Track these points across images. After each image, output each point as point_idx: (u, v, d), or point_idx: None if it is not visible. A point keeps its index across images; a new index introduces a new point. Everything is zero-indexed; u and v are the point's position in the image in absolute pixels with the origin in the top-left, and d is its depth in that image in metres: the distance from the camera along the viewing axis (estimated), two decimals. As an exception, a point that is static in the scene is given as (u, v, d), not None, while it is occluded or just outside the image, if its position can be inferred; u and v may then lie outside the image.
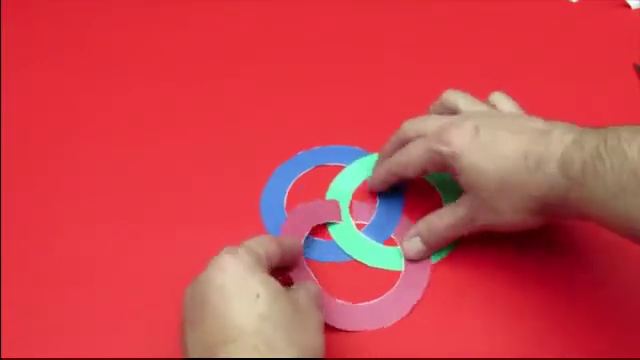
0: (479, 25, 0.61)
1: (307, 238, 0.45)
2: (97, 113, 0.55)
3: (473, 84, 0.55)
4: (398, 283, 0.43)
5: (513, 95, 0.50)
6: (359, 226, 0.47)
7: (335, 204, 0.47)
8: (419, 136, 0.43)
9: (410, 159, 0.43)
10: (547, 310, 0.42)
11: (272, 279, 0.35)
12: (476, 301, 0.43)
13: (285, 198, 0.48)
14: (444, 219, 0.43)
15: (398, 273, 0.44)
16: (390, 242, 0.46)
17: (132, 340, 0.41)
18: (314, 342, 0.34)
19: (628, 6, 0.62)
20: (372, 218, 0.47)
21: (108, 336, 0.42)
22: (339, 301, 0.43)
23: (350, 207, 0.48)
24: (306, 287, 0.38)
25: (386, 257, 0.45)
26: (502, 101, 0.44)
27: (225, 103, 0.55)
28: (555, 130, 0.38)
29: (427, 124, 0.43)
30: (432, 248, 0.44)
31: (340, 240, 0.46)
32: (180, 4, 0.64)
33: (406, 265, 0.44)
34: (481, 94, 0.54)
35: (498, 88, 0.54)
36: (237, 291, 0.33)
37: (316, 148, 0.51)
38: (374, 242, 0.46)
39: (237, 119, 0.54)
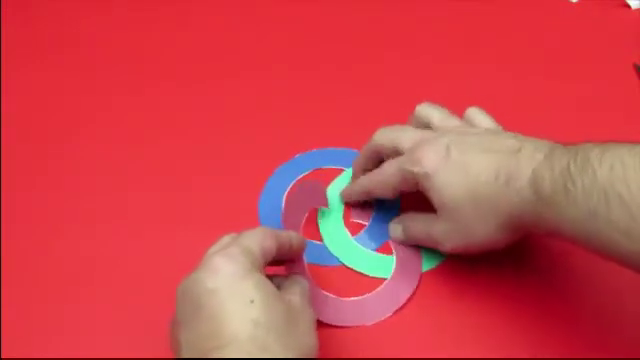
0: (479, 25, 0.61)
1: None
2: (97, 113, 0.55)
3: (473, 84, 0.55)
4: (385, 284, 0.43)
5: (513, 95, 0.50)
6: (359, 226, 0.47)
7: (320, 187, 0.47)
8: (393, 147, 0.43)
9: (383, 179, 0.43)
10: (533, 323, 0.42)
11: (266, 281, 0.34)
12: (463, 310, 0.42)
13: (283, 201, 0.48)
14: (418, 225, 0.43)
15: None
16: (385, 248, 0.45)
17: (132, 340, 0.41)
18: (308, 342, 0.34)
19: (628, 6, 0.62)
20: (370, 219, 0.47)
21: (108, 336, 0.42)
22: (325, 293, 0.43)
23: (347, 208, 0.47)
24: (300, 284, 0.38)
25: (376, 264, 0.44)
26: (478, 116, 0.44)
27: (224, 104, 0.55)
28: (525, 148, 0.37)
29: (400, 137, 0.43)
30: (410, 241, 0.44)
31: (330, 244, 0.46)
32: (180, 4, 0.64)
33: (395, 270, 0.44)
34: (481, 94, 0.54)
35: (498, 88, 0.54)
36: (230, 295, 0.33)
37: (315, 150, 0.51)
38: (365, 248, 0.45)
39: (236, 120, 0.54)
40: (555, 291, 0.43)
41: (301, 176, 0.49)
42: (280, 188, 0.49)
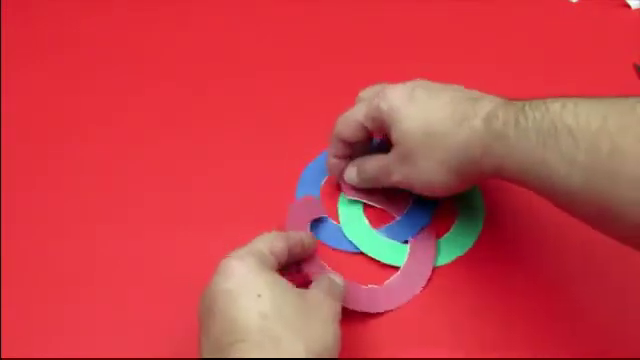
0: (479, 25, 0.61)
1: (320, 220, 0.47)
2: (104, 113, 0.55)
3: (473, 84, 0.55)
4: (397, 275, 0.44)
5: (513, 95, 0.50)
6: (381, 219, 0.47)
7: (315, 201, 0.48)
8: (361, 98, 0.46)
9: (350, 115, 0.45)
10: (546, 323, 0.42)
11: (278, 278, 0.36)
12: (472, 306, 0.43)
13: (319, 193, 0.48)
14: (372, 162, 0.45)
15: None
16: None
17: (132, 340, 0.41)
18: (323, 334, 0.34)
19: (628, 6, 0.62)
20: (389, 223, 0.47)
21: (108, 336, 0.42)
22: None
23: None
24: (327, 279, 0.39)
25: (390, 251, 0.45)
26: None
27: (229, 104, 0.55)
28: (487, 96, 0.40)
29: (369, 90, 0.46)
30: (364, 182, 0.46)
31: (347, 229, 0.46)
32: (180, 4, 0.64)
33: (407, 261, 0.44)
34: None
35: (498, 88, 0.54)
36: (241, 292, 0.34)
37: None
38: (381, 235, 0.46)
39: (244, 119, 0.54)
40: (568, 290, 0.43)
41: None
42: (317, 179, 0.49)
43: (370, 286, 0.43)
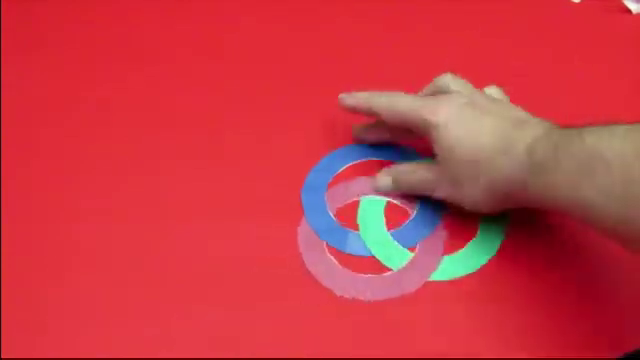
0: (480, 25, 0.61)
1: (335, 225, 0.46)
2: (106, 112, 0.54)
3: (474, 85, 0.55)
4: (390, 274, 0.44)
5: (513, 95, 0.50)
6: (399, 219, 0.47)
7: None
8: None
9: (395, 107, 0.46)
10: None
11: None
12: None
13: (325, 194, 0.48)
14: (415, 175, 0.46)
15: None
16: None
17: (133, 339, 0.41)
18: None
19: (629, 11, 0.62)
20: (403, 223, 0.47)
21: (109, 336, 0.42)
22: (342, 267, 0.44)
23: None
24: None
25: (395, 256, 0.45)
26: (495, 93, 0.48)
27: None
28: (532, 120, 0.41)
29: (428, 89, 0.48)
30: (400, 191, 0.47)
31: (365, 236, 0.46)
32: None
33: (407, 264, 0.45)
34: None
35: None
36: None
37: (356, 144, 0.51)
38: (399, 245, 0.46)
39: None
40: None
41: (347, 166, 0.50)
42: (323, 179, 0.49)
43: (368, 275, 0.44)
